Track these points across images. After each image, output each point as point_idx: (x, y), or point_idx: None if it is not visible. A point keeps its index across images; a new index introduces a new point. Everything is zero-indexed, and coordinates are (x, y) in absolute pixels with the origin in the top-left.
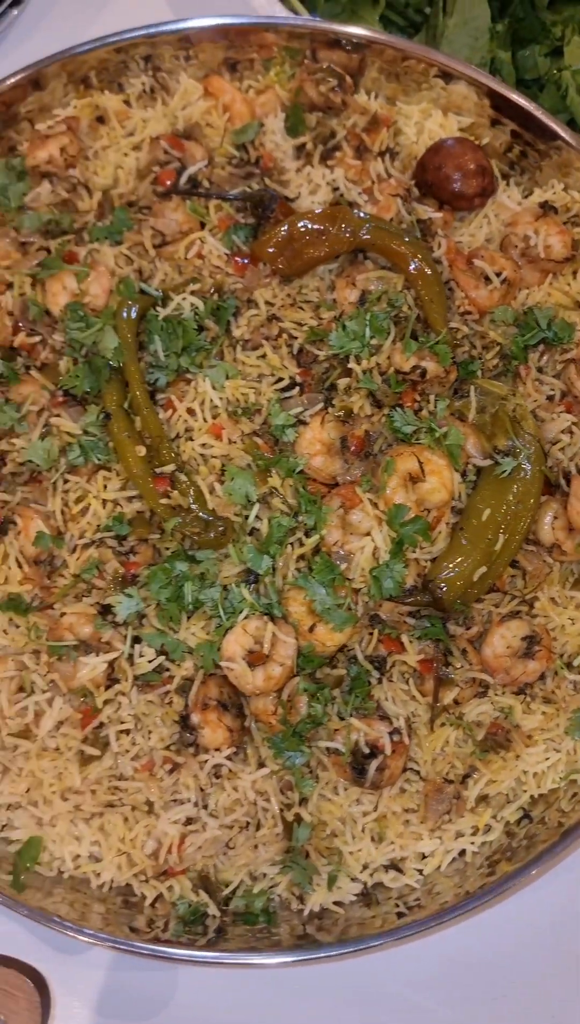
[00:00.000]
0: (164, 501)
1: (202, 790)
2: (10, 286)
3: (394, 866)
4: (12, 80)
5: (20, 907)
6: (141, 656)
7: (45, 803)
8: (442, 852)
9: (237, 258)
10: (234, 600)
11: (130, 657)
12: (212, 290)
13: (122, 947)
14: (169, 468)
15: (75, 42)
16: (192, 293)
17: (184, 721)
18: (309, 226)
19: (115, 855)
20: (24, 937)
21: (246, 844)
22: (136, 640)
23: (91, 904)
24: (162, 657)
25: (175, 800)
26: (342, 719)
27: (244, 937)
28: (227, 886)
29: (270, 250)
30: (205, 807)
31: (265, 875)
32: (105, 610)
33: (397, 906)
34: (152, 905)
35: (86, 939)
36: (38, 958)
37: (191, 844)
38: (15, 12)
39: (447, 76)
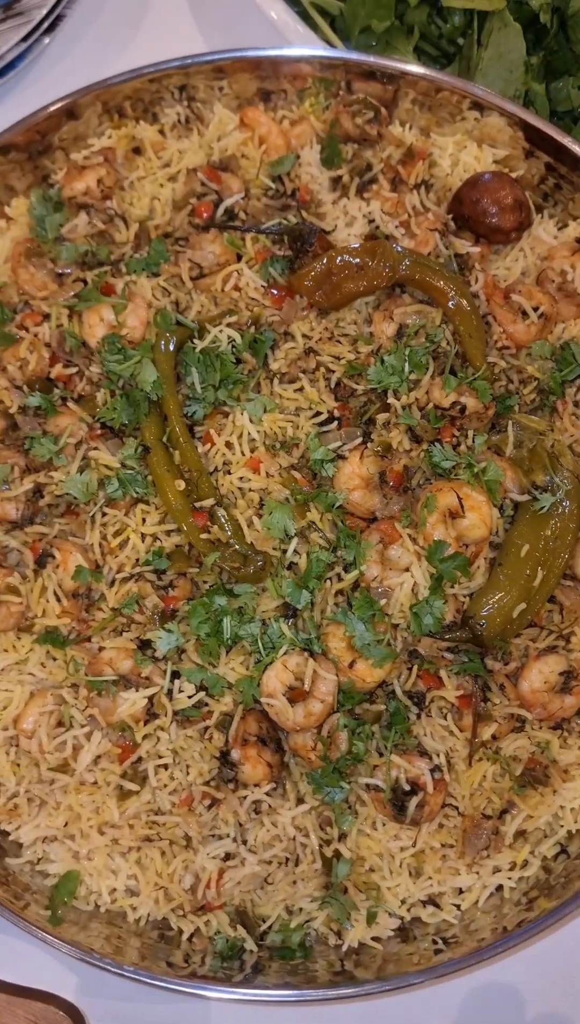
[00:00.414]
0: (204, 536)
1: (241, 825)
2: (47, 317)
3: (432, 901)
4: (48, 110)
5: (57, 942)
6: (181, 691)
7: (83, 837)
8: (479, 887)
9: (273, 290)
10: (273, 635)
11: (169, 692)
12: (249, 322)
13: (159, 984)
14: (209, 502)
15: (104, 70)
16: (229, 325)
17: (224, 757)
18: (348, 260)
19: (152, 889)
20: (60, 971)
21: (285, 880)
22: (175, 675)
23: (127, 939)
24: (202, 692)
25: (213, 835)
26: (381, 755)
27: (280, 972)
28: (264, 921)
29: (308, 283)
30: (244, 842)
31: (302, 910)
32: (145, 645)
33: (435, 942)
34: (189, 940)
35: (122, 974)
36: (74, 992)
37: (229, 879)
38: (46, 40)
39: (481, 108)
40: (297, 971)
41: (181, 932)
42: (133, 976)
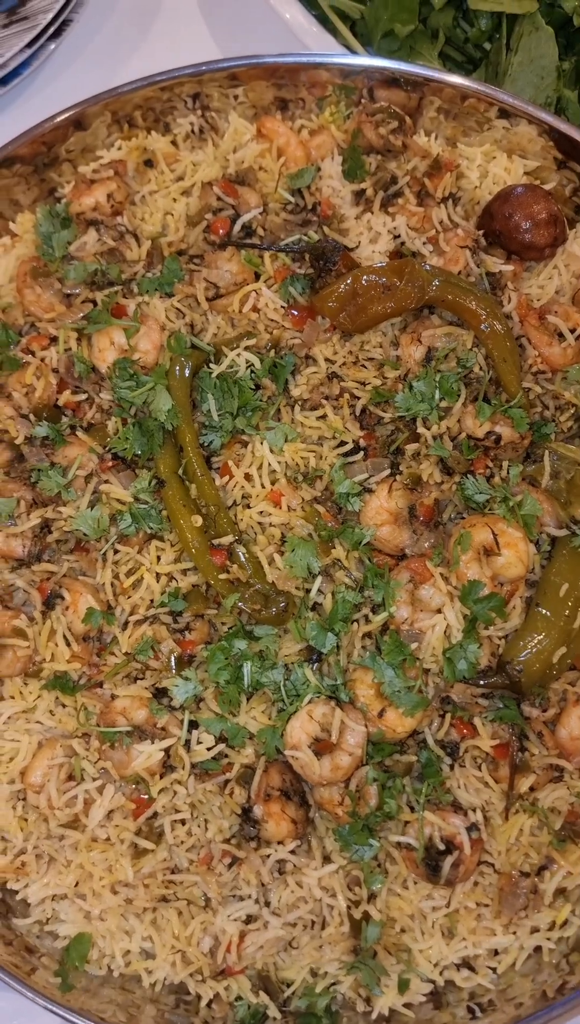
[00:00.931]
0: (222, 576)
1: (264, 885)
2: (54, 340)
3: (466, 964)
4: (55, 120)
5: (66, 1011)
6: (199, 743)
7: (94, 896)
8: (517, 949)
9: (294, 311)
10: (297, 682)
11: (187, 743)
12: (268, 345)
13: None
14: (227, 539)
15: (113, 77)
16: (247, 349)
17: (246, 813)
18: (374, 280)
19: (169, 952)
20: None
21: (310, 944)
22: (193, 725)
23: (142, 1005)
24: (221, 744)
25: (234, 895)
26: (413, 810)
27: None
28: (288, 985)
29: (331, 304)
30: (266, 904)
31: (327, 973)
32: (160, 693)
33: (470, 1009)
34: (208, 1006)
35: None
36: None
37: (251, 943)
38: (52, 47)
39: (510, 116)
40: None
41: (200, 998)
42: None
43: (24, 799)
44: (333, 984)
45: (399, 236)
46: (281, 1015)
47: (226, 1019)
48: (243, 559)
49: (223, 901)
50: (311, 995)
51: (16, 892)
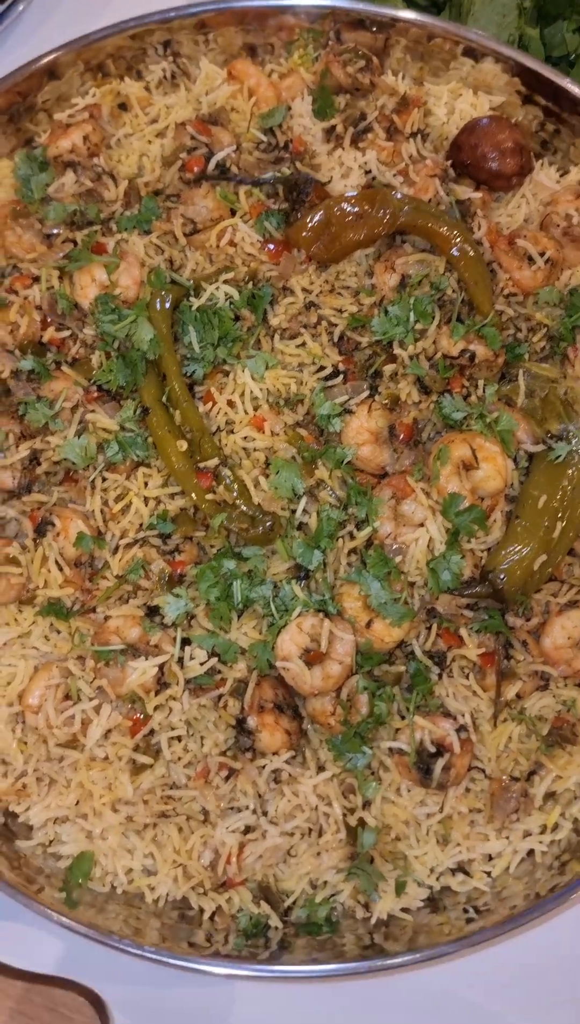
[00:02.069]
0: (209, 497)
1: (260, 796)
2: (36, 280)
3: (461, 869)
4: (29, 69)
5: (74, 925)
6: (192, 659)
7: (95, 815)
8: (510, 853)
9: (270, 245)
10: (286, 598)
11: (180, 660)
12: (246, 278)
13: (182, 964)
14: (213, 462)
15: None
16: (225, 282)
17: (240, 725)
18: (346, 209)
19: (170, 867)
20: (77, 958)
21: (308, 852)
22: (185, 642)
23: (146, 919)
24: (214, 659)
25: (232, 808)
26: (403, 718)
27: (307, 948)
28: (288, 896)
29: (306, 235)
30: (264, 814)
31: (327, 883)
32: (152, 612)
33: (466, 911)
34: (211, 919)
35: (143, 956)
36: (93, 979)
37: (250, 853)
38: (20, 7)
39: (475, 54)
40: (325, 947)
41: (202, 911)
42: (155, 957)
43: (23, 722)
44: (332, 895)
45: (370, 171)
46: (282, 924)
47: (229, 931)
48: (229, 482)
49: (221, 814)
50: (311, 905)
51: (18, 817)
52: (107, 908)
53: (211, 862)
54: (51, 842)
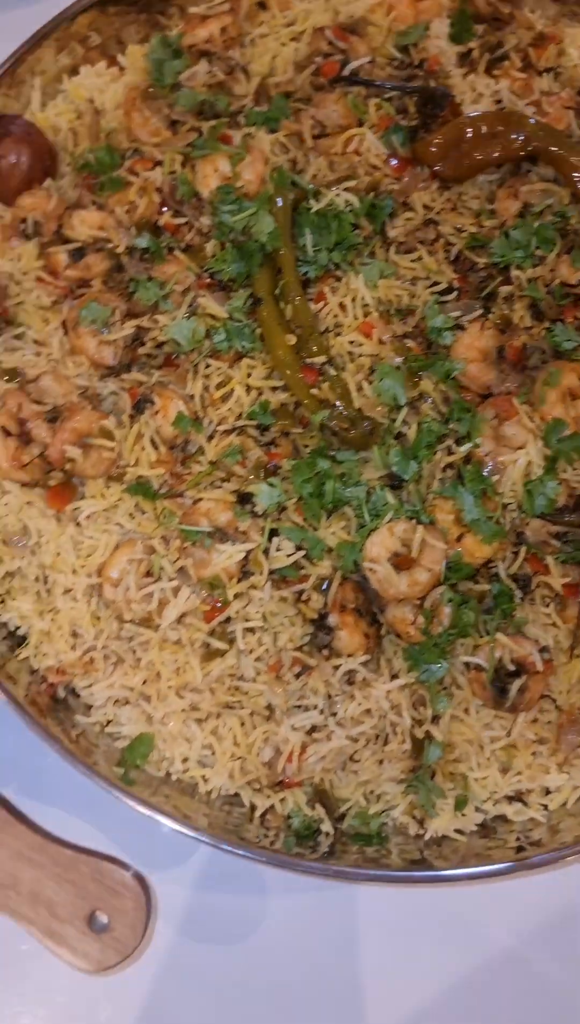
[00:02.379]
0: (314, 392)
1: (330, 697)
2: (158, 165)
3: (518, 798)
4: None
5: (130, 798)
6: (278, 550)
7: (159, 698)
8: (570, 788)
9: (393, 160)
10: (378, 503)
11: (265, 552)
12: (367, 189)
13: (238, 852)
14: (320, 359)
15: None
16: (346, 190)
17: (320, 621)
18: (479, 127)
19: (228, 760)
20: (125, 841)
21: (371, 759)
22: (273, 534)
23: (198, 807)
24: (301, 553)
25: (300, 706)
26: (482, 636)
27: (357, 858)
28: (342, 804)
29: (434, 150)
30: (333, 714)
31: (381, 797)
32: (244, 499)
33: (518, 839)
34: (263, 816)
35: (199, 839)
36: (138, 863)
37: (313, 753)
38: None
39: None
40: (373, 858)
41: (254, 808)
42: (210, 842)
43: (99, 595)
44: (386, 810)
45: (501, 100)
46: (334, 831)
47: (279, 830)
48: (332, 383)
49: (288, 711)
50: (364, 817)
51: (79, 695)
52: (160, 791)
53: (270, 759)
54: (108, 723)
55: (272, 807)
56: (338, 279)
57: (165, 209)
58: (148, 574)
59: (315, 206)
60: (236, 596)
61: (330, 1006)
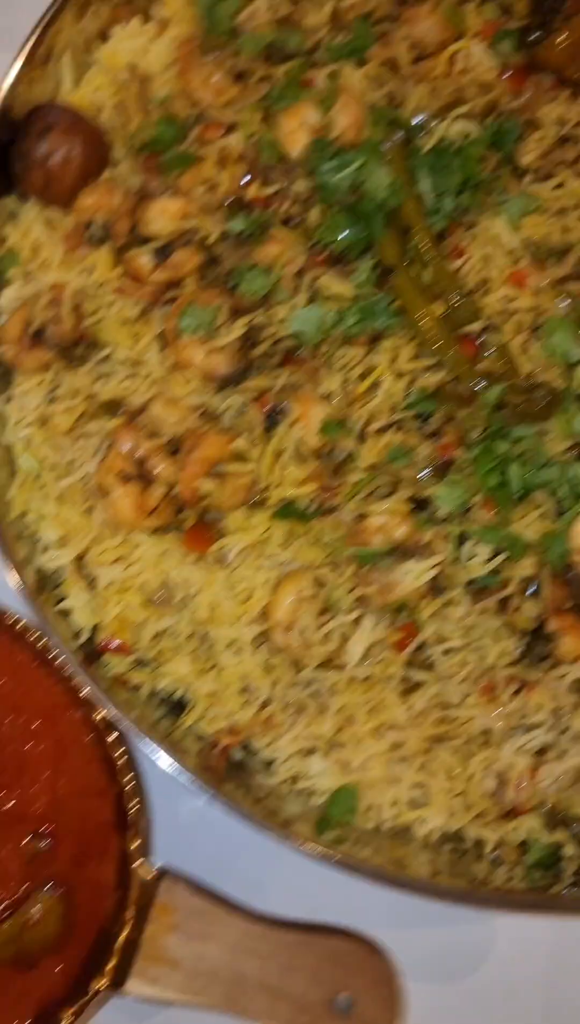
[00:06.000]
0: (479, 367)
1: (557, 711)
2: (231, 129)
3: None
4: None
5: (353, 867)
6: (473, 556)
7: (356, 744)
8: None
9: (506, 72)
10: (573, 480)
11: (456, 560)
12: (483, 114)
13: (478, 906)
14: (477, 325)
15: None
16: (459, 118)
17: (538, 629)
18: None
19: (446, 797)
20: (346, 903)
21: None
22: (461, 539)
23: (417, 855)
24: (501, 556)
25: (522, 726)
26: None
27: None
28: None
29: (560, 51)
30: (563, 732)
31: None
32: (420, 505)
33: None
34: (492, 851)
35: (428, 894)
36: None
37: (546, 775)
38: None
39: None
40: None
41: (479, 844)
42: (442, 902)
43: (266, 642)
44: None
45: None
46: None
47: (514, 864)
48: (492, 352)
49: (509, 734)
50: None
51: (256, 753)
52: (370, 845)
53: (494, 789)
54: (294, 778)
55: (502, 839)
56: (468, 227)
57: (248, 178)
58: (324, 611)
59: (427, 143)
60: (430, 616)
61: None
